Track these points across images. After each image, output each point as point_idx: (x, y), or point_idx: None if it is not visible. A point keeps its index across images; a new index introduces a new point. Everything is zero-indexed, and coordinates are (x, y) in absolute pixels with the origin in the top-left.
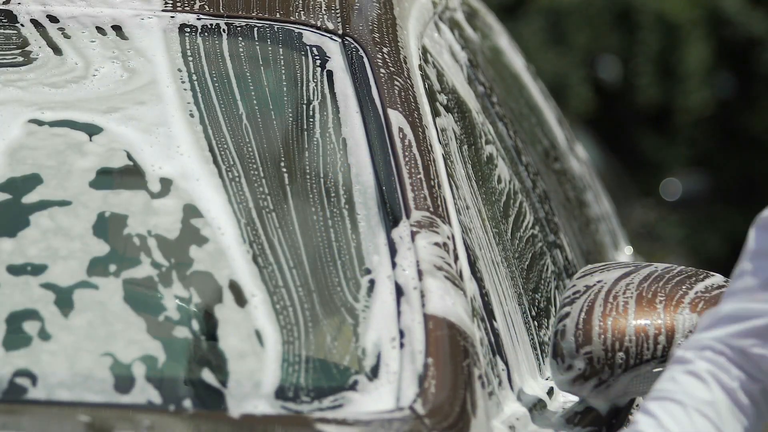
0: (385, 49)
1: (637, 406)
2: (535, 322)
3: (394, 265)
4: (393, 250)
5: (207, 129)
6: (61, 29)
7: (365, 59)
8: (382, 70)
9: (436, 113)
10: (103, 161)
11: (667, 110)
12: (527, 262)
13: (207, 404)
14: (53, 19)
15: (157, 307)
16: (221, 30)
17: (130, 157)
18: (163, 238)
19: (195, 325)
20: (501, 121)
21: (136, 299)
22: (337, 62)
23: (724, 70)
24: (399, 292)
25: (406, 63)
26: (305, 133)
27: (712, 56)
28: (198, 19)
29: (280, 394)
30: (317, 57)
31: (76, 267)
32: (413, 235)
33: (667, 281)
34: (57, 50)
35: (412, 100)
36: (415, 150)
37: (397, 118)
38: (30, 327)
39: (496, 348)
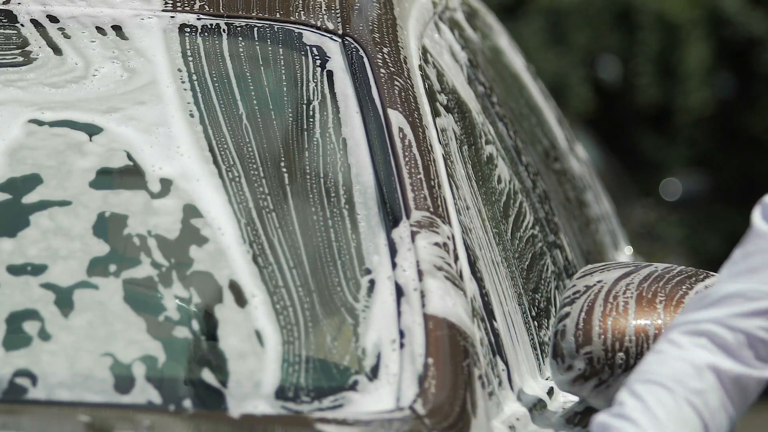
0: (385, 49)
1: None
2: (535, 322)
3: (394, 265)
4: (393, 251)
5: (207, 129)
6: (61, 29)
7: (365, 59)
8: (382, 70)
9: (436, 113)
10: (103, 161)
11: (667, 110)
12: (527, 262)
13: (207, 404)
14: (53, 19)
15: (157, 307)
16: (221, 30)
17: (130, 157)
18: (163, 238)
19: (195, 325)
20: (501, 121)
21: (136, 299)
22: (337, 62)
23: (724, 70)
24: (399, 292)
25: (406, 63)
26: (305, 133)
27: (712, 56)
28: (198, 19)
29: (280, 394)
30: (317, 57)
31: (76, 267)
32: (413, 235)
33: (667, 281)
34: (57, 50)
35: (412, 100)
36: (415, 150)
37: (397, 118)
38: (30, 327)
39: (496, 348)
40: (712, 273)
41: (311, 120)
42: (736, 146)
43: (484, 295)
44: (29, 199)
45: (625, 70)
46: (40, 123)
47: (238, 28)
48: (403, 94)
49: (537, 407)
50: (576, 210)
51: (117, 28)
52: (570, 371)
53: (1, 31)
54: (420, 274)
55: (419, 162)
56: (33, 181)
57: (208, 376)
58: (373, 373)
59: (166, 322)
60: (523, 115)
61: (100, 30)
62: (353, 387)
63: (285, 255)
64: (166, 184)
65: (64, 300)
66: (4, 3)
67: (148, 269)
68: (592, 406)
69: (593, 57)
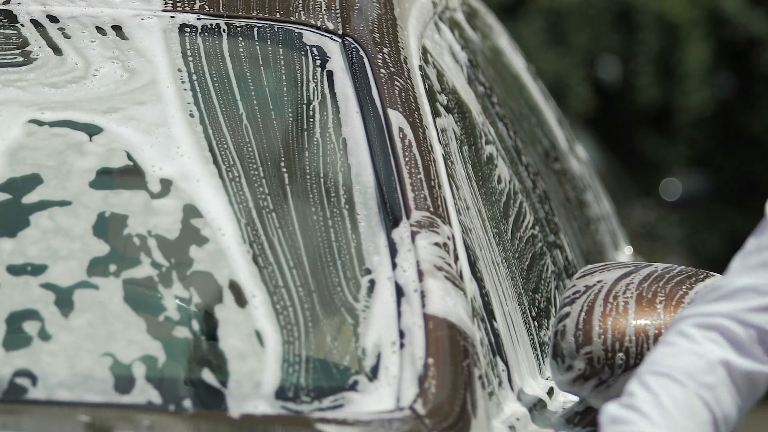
0: (385, 50)
1: None
2: (535, 322)
3: (394, 265)
4: (393, 251)
5: (207, 129)
6: (61, 29)
7: (365, 59)
8: (383, 71)
9: (436, 113)
10: (103, 161)
11: (667, 110)
12: (527, 263)
13: (207, 404)
14: (53, 19)
15: (157, 307)
16: (221, 30)
17: (130, 157)
18: (163, 238)
19: (195, 325)
20: (501, 122)
21: (136, 299)
22: (337, 62)
23: (724, 70)
24: (399, 292)
25: (406, 63)
26: (305, 133)
27: (712, 56)
28: (198, 19)
29: (281, 394)
30: (317, 57)
31: (76, 267)
32: (413, 235)
33: (667, 281)
34: (57, 50)
35: (412, 100)
36: (415, 150)
37: (397, 119)
38: (30, 327)
39: (497, 348)
40: (712, 273)
41: (311, 120)
42: (736, 146)
43: (484, 296)
44: (29, 199)
45: (625, 70)
46: (40, 123)
47: (238, 28)
48: (403, 94)
49: (537, 407)
50: (576, 210)
51: (117, 28)
52: (570, 371)
53: (1, 31)
54: (420, 274)
55: (419, 162)
56: (33, 181)
57: (208, 376)
58: (373, 374)
59: (166, 322)
60: (523, 115)
61: (100, 30)
62: (353, 387)
63: (285, 255)
64: (166, 184)
65: (64, 300)
66: (4, 3)
67: (148, 269)
68: (592, 406)
69: (593, 57)
